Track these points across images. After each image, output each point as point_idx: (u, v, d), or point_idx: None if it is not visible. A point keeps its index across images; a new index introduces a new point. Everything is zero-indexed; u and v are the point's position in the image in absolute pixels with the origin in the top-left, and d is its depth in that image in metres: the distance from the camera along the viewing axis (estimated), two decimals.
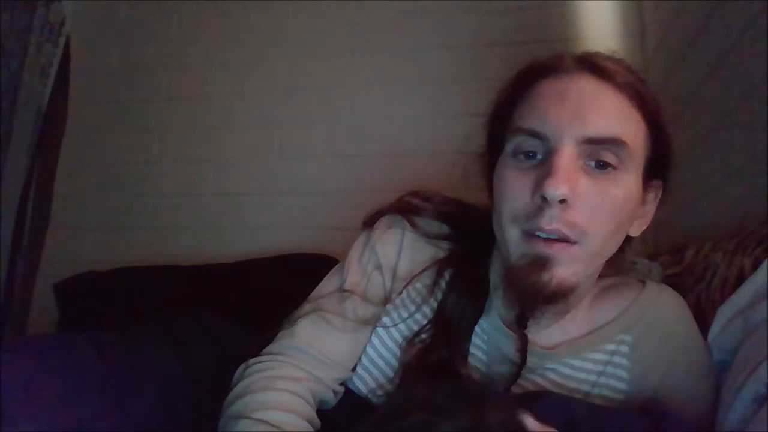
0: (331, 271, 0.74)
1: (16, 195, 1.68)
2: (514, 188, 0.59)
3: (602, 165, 0.57)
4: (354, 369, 0.70)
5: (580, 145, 0.57)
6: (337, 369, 0.67)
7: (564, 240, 0.56)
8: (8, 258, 1.63)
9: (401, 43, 1.71)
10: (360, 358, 0.70)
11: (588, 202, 0.56)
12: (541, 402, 0.53)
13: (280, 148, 1.76)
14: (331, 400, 0.68)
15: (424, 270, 0.70)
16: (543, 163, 0.58)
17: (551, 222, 0.56)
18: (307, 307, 0.70)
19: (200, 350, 0.79)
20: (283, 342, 0.67)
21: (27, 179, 1.72)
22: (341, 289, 0.70)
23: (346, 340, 0.68)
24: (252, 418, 0.57)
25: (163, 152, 1.84)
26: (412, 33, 1.71)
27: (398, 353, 0.68)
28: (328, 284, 0.73)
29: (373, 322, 0.70)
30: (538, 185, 0.56)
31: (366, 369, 0.69)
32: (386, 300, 0.71)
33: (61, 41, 1.80)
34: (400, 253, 0.71)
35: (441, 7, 1.68)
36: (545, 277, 0.57)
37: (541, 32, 1.56)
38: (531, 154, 0.59)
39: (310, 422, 0.61)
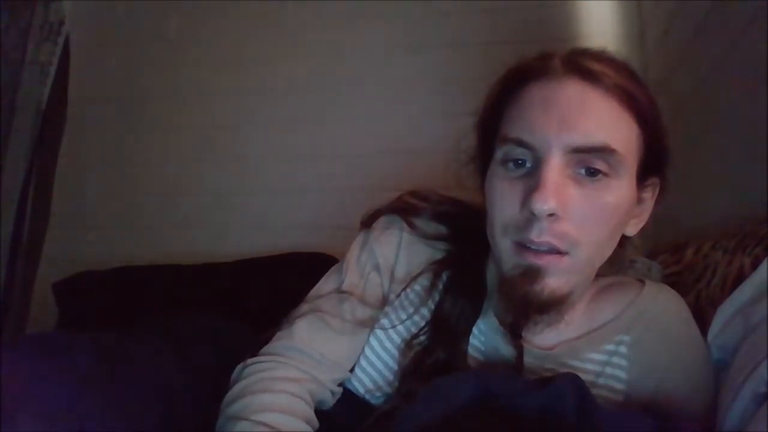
0: (328, 272, 0.74)
1: (15, 194, 1.68)
2: (504, 199, 0.59)
3: (592, 172, 0.56)
4: (352, 370, 0.70)
5: (568, 154, 0.56)
6: (335, 370, 0.67)
7: (555, 251, 0.56)
8: (8, 257, 1.63)
9: (401, 42, 1.71)
10: (358, 360, 0.70)
11: (578, 211, 0.56)
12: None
13: (280, 147, 1.76)
14: (329, 400, 0.68)
15: (421, 272, 0.69)
16: (532, 173, 0.57)
17: (540, 235, 0.55)
18: (304, 307, 0.69)
19: (200, 350, 0.79)
20: (281, 342, 0.67)
21: (26, 178, 1.72)
22: (339, 290, 0.70)
23: (344, 342, 0.68)
24: (251, 420, 0.57)
25: (162, 152, 1.84)
26: (412, 32, 1.71)
27: (396, 355, 0.68)
28: (325, 285, 0.72)
29: (370, 323, 0.69)
30: (527, 198, 0.56)
31: (364, 370, 0.69)
32: (384, 301, 0.71)
33: (61, 40, 1.79)
34: (397, 255, 0.71)
35: (440, 6, 1.68)
36: (537, 287, 0.57)
37: (541, 32, 1.56)
38: (520, 161, 0.58)
39: (309, 423, 0.61)
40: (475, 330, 0.67)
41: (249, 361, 0.65)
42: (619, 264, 0.69)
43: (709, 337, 0.65)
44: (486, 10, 1.64)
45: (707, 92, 1.09)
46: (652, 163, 0.61)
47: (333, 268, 0.74)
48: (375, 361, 0.69)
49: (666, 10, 1.35)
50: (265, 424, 0.57)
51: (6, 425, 0.52)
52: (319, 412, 0.64)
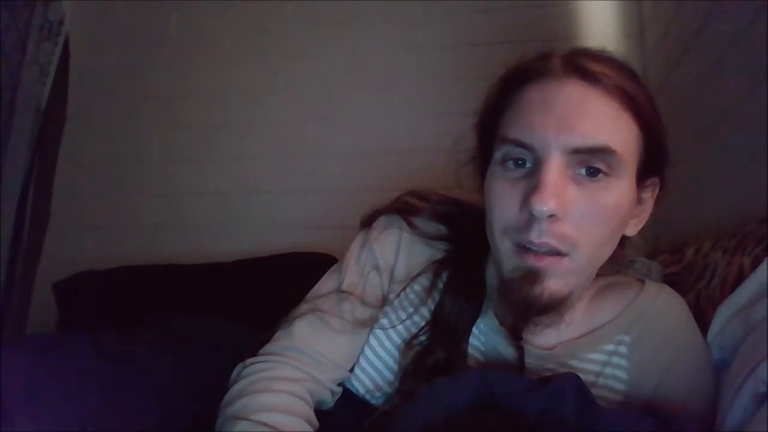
0: (328, 271, 0.74)
1: (15, 194, 1.68)
2: (503, 201, 0.58)
3: (593, 172, 0.56)
4: (352, 370, 0.70)
5: (568, 155, 0.56)
6: (335, 369, 0.67)
7: (555, 253, 0.56)
8: (8, 257, 1.63)
9: (401, 41, 1.71)
10: (358, 360, 0.70)
11: (578, 212, 0.56)
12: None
13: (280, 147, 1.76)
14: (329, 400, 0.68)
15: (421, 272, 0.69)
16: (532, 174, 0.57)
17: (540, 236, 0.55)
18: (304, 307, 0.69)
19: (200, 349, 0.79)
20: (280, 342, 0.67)
21: (26, 178, 1.72)
22: (339, 290, 0.70)
23: (344, 341, 0.68)
24: (251, 420, 0.57)
25: (163, 152, 1.84)
26: (412, 32, 1.70)
27: (396, 355, 0.68)
28: (325, 284, 0.72)
29: (370, 323, 0.69)
30: (526, 200, 0.55)
31: (364, 370, 0.69)
32: (383, 301, 0.71)
33: (60, 40, 1.80)
34: (397, 255, 0.71)
35: (441, 6, 1.68)
36: (537, 290, 0.57)
37: (541, 32, 1.56)
38: (520, 162, 0.58)
39: (309, 423, 0.61)
40: (475, 330, 0.67)
41: (248, 361, 0.65)
42: (619, 264, 0.69)
43: (709, 337, 0.65)
44: (486, 10, 1.64)
45: (707, 92, 1.09)
46: (652, 164, 0.61)
47: (333, 267, 0.74)
48: (375, 361, 0.69)
49: (666, 10, 1.35)
50: (265, 424, 0.57)
51: (6, 425, 0.52)
52: (319, 412, 0.64)
